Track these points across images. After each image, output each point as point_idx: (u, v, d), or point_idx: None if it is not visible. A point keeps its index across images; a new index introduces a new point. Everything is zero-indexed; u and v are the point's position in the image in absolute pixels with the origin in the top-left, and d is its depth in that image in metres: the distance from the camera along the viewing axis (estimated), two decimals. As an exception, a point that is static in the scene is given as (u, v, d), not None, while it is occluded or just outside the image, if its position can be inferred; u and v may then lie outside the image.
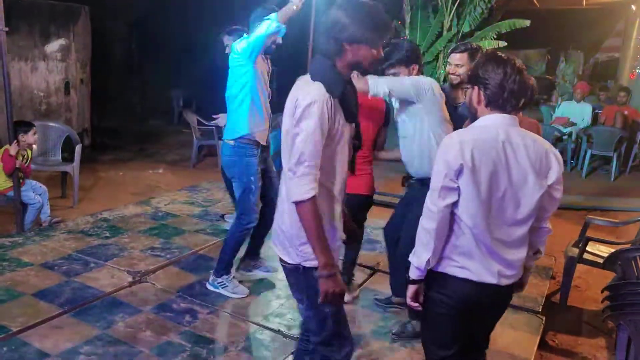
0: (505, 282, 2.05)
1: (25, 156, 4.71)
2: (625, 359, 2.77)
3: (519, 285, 2.18)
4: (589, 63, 15.04)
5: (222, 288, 3.70)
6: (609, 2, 11.06)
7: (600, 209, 6.09)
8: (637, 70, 10.14)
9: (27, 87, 7.04)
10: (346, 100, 2.00)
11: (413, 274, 2.10)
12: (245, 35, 3.63)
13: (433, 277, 2.10)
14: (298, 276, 2.11)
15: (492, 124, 1.98)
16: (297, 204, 1.92)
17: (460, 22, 8.46)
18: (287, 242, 2.09)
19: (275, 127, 4.22)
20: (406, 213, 3.25)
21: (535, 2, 10.85)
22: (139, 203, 5.47)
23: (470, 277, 2.03)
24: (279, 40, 3.58)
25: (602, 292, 2.81)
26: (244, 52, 3.49)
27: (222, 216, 5.24)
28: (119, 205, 5.11)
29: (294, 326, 3.32)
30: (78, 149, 5.38)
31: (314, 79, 1.97)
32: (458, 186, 1.95)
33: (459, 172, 1.93)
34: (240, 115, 3.60)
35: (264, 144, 3.69)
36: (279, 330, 3.28)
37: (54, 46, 7.23)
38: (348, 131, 2.05)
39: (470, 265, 2.02)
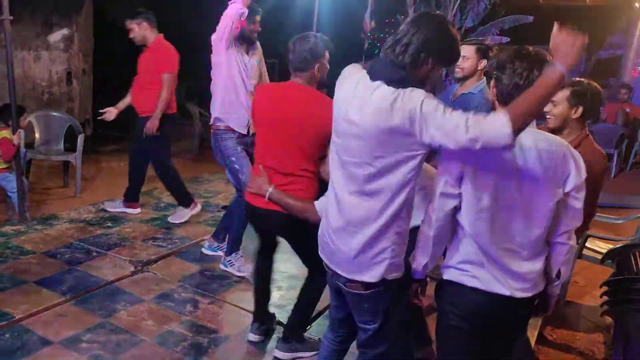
0: (520, 294, 1.89)
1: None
2: (622, 354, 2.80)
3: (542, 309, 2.08)
4: (591, 60, 15.03)
5: (230, 267, 3.79)
6: (612, -1, 11.06)
7: (600, 205, 6.09)
8: (639, 68, 10.14)
9: (30, 76, 7.04)
10: None
11: (414, 274, 2.09)
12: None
13: (444, 287, 2.03)
14: (379, 295, 2.02)
15: None
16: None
17: (463, 17, 8.46)
18: (365, 262, 1.97)
19: None
20: None
21: (539, -2, 10.82)
22: (140, 194, 5.48)
23: (479, 286, 1.90)
24: (258, 28, 3.67)
25: (600, 287, 2.83)
26: (215, 39, 3.58)
27: (224, 207, 5.25)
28: (120, 196, 5.12)
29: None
30: (80, 138, 5.38)
31: (402, 86, 1.81)
32: (459, 193, 1.85)
33: (459, 179, 1.83)
34: (213, 103, 3.74)
35: (242, 131, 3.71)
36: (279, 321, 3.31)
37: (56, 36, 7.22)
38: None
39: (480, 274, 1.90)
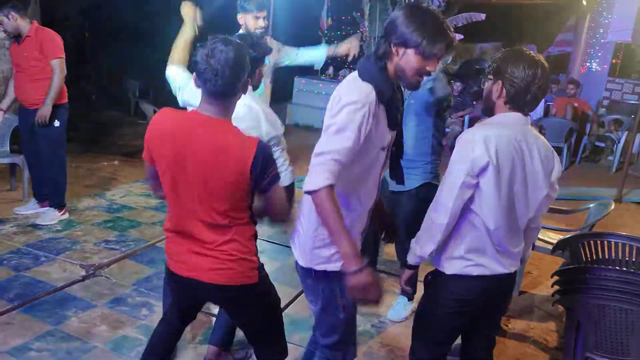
0: (513, 269, 2.12)
1: None
2: (574, 341, 2.87)
3: None
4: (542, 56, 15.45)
5: None
6: (561, -3, 11.40)
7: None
8: (587, 64, 10.48)
9: (-27, 75, 6.74)
10: (392, 106, 1.90)
11: (413, 260, 2.11)
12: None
13: (444, 281, 2.09)
14: (311, 279, 2.05)
15: (512, 122, 1.97)
16: (312, 193, 1.74)
17: (418, 15, 8.54)
18: (302, 244, 2.03)
19: None
20: None
21: (491, -4, 11.06)
22: (92, 196, 5.33)
23: (485, 273, 2.04)
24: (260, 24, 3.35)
25: (552, 277, 2.90)
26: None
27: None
28: (71, 198, 4.95)
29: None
30: (20, 138, 5.17)
31: (363, 78, 1.85)
32: (477, 182, 1.92)
33: (483, 169, 1.89)
34: None
35: None
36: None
37: (1, 34, 6.92)
38: (388, 138, 1.95)
39: (484, 261, 2.03)
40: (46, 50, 4.31)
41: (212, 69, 1.80)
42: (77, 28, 11.56)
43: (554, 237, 3.91)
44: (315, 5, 9.91)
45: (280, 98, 8.22)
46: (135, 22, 11.06)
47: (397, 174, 2.14)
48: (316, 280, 2.04)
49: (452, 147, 2.05)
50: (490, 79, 2.01)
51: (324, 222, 1.79)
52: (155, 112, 8.14)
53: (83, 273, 3.71)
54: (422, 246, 2.04)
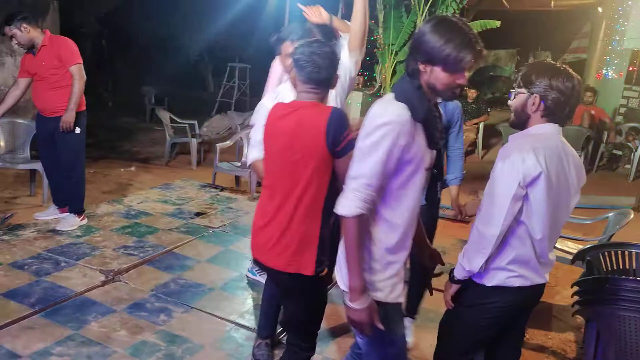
0: (547, 277, 2.14)
1: None
2: (593, 352, 2.85)
3: None
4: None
5: (259, 275, 3.78)
6: (577, 4, 11.30)
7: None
8: (603, 71, 10.40)
9: (-6, 82, 6.85)
10: (430, 125, 1.84)
11: (461, 275, 2.09)
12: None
13: (482, 292, 2.08)
14: None
15: (550, 132, 1.99)
16: (342, 217, 1.79)
17: (433, 22, 8.54)
18: (340, 268, 1.97)
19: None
20: None
21: (505, 3, 11.02)
22: (110, 201, 5.39)
23: (526, 284, 2.05)
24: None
25: (571, 287, 2.88)
26: None
27: (197, 214, 5.20)
28: (90, 204, 5.01)
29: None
30: (38, 145, 5.24)
31: (397, 98, 1.80)
32: (526, 193, 1.93)
33: (534, 179, 1.90)
34: None
35: None
36: (254, 329, 3.27)
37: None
38: (428, 158, 1.89)
39: (526, 273, 2.04)
40: (64, 57, 4.36)
41: (314, 62, 2.11)
42: (94, 36, 11.72)
43: (573, 247, 3.89)
44: (329, 11, 9.96)
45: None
46: (152, 30, 11.22)
47: (431, 195, 2.09)
48: None
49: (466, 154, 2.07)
50: (523, 93, 2.00)
51: (345, 247, 1.83)
52: (171, 119, 8.25)
53: (102, 278, 3.75)
54: (470, 260, 2.02)
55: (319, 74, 2.14)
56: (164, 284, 3.76)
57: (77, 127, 4.44)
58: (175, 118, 7.88)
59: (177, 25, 11.84)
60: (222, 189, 6.20)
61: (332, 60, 2.17)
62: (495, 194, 1.96)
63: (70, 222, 4.58)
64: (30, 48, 4.40)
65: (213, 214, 5.29)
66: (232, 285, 3.86)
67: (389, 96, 1.85)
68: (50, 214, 4.75)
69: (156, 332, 3.18)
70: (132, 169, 6.91)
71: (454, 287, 2.15)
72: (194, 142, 7.44)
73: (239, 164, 6.24)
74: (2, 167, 5.18)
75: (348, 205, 1.77)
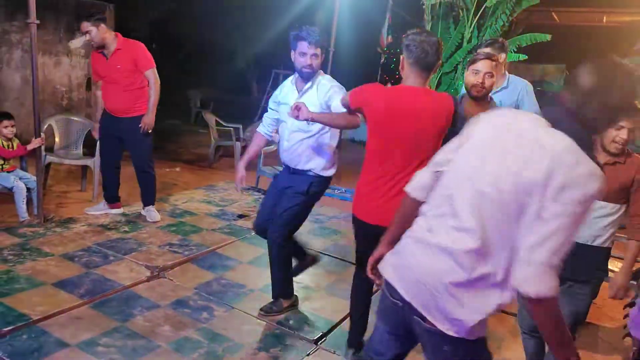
0: None
1: (10, 145, 4.61)
2: (642, 376, 2.75)
3: None
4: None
5: None
6: (629, 20, 11.02)
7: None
8: (657, 90, 10.07)
9: (50, 81, 7.13)
10: None
11: None
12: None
13: None
14: (462, 349, 1.73)
15: None
16: (538, 299, 1.50)
17: (481, 35, 8.45)
18: (455, 314, 1.67)
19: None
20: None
21: (556, 17, 10.84)
22: (157, 200, 5.50)
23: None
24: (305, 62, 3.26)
25: (624, 309, 2.80)
26: None
27: (240, 216, 5.27)
28: (137, 201, 5.15)
29: (311, 327, 3.38)
30: (99, 143, 5.42)
31: (580, 144, 1.54)
32: None
33: None
34: None
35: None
36: (294, 331, 3.30)
37: (78, 42, 7.31)
38: None
39: None
40: (140, 62, 4.58)
41: (423, 49, 2.42)
42: (145, 40, 12.06)
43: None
44: (377, 22, 9.97)
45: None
46: (201, 36, 11.47)
47: None
48: (468, 349, 1.74)
49: None
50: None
51: (554, 329, 1.57)
52: (217, 122, 8.36)
53: (148, 274, 3.84)
54: None
55: (432, 62, 2.47)
56: (207, 283, 3.82)
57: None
58: (221, 121, 8.02)
59: (227, 33, 12.08)
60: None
61: (438, 49, 2.48)
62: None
63: (153, 215, 4.89)
64: (100, 48, 4.58)
65: (255, 216, 5.34)
66: (272, 287, 3.89)
67: (568, 142, 1.54)
68: (100, 209, 4.91)
69: (198, 329, 3.23)
70: (178, 169, 7.06)
71: None
72: (237, 146, 7.54)
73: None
74: (56, 162, 5.36)
75: (548, 285, 1.49)
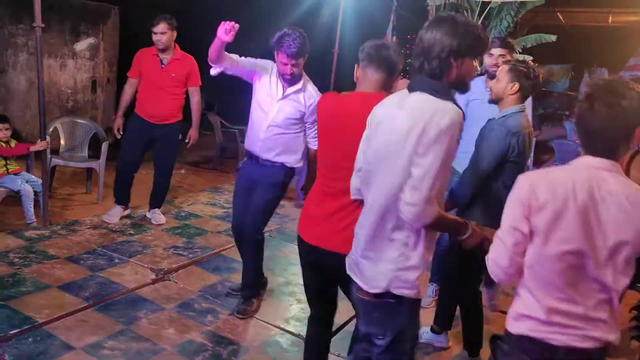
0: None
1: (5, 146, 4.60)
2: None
3: None
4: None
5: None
6: (635, 20, 10.98)
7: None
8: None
9: (55, 83, 7.14)
10: None
11: None
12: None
13: None
14: (385, 308, 1.94)
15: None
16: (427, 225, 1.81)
17: (486, 35, 8.44)
18: (374, 269, 1.91)
19: None
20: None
21: (561, 18, 10.82)
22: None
23: None
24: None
25: (630, 311, 2.78)
26: None
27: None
28: (142, 204, 5.16)
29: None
30: (105, 146, 5.44)
31: (439, 96, 1.80)
32: None
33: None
34: None
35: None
36: (299, 335, 3.29)
37: (83, 44, 7.33)
38: None
39: None
40: (192, 77, 4.72)
41: (368, 54, 2.30)
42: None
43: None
44: (381, 22, 9.97)
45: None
46: (205, 38, 11.47)
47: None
48: (393, 309, 1.93)
49: None
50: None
51: (441, 229, 1.97)
52: (222, 124, 8.36)
53: (153, 276, 3.85)
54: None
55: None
56: (212, 285, 3.83)
57: (179, 135, 4.84)
58: (226, 123, 8.02)
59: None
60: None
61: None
62: None
63: (159, 218, 4.91)
64: (163, 51, 4.61)
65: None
66: (277, 290, 3.89)
67: (423, 96, 1.82)
68: (116, 214, 4.86)
69: (203, 332, 3.24)
70: (183, 171, 7.07)
71: None
72: (243, 148, 7.53)
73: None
74: (61, 164, 5.38)
75: (432, 214, 1.78)
